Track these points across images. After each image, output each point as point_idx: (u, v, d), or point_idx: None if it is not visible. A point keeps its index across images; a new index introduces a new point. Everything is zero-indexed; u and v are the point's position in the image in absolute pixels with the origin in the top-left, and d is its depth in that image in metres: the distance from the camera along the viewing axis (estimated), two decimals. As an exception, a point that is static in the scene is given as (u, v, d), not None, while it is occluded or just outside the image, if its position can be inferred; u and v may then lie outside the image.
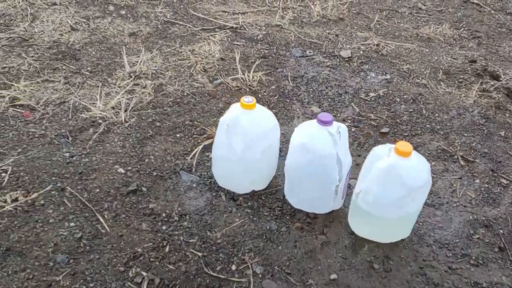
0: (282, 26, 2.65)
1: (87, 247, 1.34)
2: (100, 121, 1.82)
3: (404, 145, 1.28)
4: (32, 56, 2.20)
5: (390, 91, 2.15)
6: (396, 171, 1.28)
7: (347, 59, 2.39)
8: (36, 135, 1.73)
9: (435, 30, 2.72)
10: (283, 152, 1.68)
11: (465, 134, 1.92)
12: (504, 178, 1.71)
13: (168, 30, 2.53)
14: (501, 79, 2.29)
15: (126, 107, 1.90)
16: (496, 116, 2.05)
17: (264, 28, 2.62)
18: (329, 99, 2.07)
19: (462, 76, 2.31)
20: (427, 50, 2.53)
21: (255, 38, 2.52)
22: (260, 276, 1.31)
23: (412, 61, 2.41)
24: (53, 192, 1.50)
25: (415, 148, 1.68)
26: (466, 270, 1.38)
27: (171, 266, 1.31)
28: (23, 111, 1.85)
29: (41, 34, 2.37)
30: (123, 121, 1.83)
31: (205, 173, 1.62)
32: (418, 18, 2.89)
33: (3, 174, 1.55)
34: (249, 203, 1.52)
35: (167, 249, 1.36)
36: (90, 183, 1.55)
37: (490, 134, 1.94)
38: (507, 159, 1.81)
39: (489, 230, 1.51)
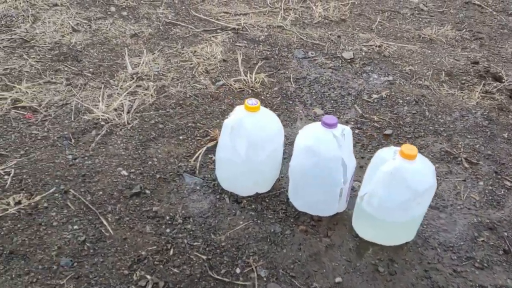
0: (284, 27, 2.65)
1: (91, 250, 1.34)
2: (102, 123, 1.82)
3: (409, 148, 1.28)
4: (34, 58, 2.19)
5: (393, 93, 2.15)
6: (401, 174, 1.28)
7: (349, 60, 2.38)
8: (39, 137, 1.73)
9: (437, 31, 2.72)
10: (286, 154, 1.67)
11: (469, 136, 1.92)
12: (508, 181, 1.71)
13: (169, 31, 2.52)
14: (503, 80, 2.29)
15: (128, 109, 1.90)
16: (499, 118, 2.04)
17: (266, 29, 2.61)
18: (332, 101, 2.07)
19: (464, 78, 2.31)
20: (429, 51, 2.53)
21: (257, 39, 2.51)
22: (264, 279, 1.31)
23: (415, 62, 2.41)
24: (56, 194, 1.50)
25: (419, 150, 1.67)
26: (471, 273, 1.37)
27: (175, 270, 1.31)
28: (25, 113, 1.84)
29: (43, 35, 2.37)
30: (126, 123, 1.83)
31: (209, 176, 1.61)
32: (420, 19, 2.88)
33: (6, 177, 1.54)
34: (253, 206, 1.52)
35: (171, 252, 1.36)
36: (93, 186, 1.54)
37: (493, 136, 1.93)
38: (510, 161, 1.81)
39: (493, 232, 1.51)
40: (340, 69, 2.30)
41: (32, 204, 1.45)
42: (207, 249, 1.37)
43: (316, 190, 1.44)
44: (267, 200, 1.55)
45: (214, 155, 1.67)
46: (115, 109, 1.89)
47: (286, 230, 1.45)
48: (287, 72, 2.25)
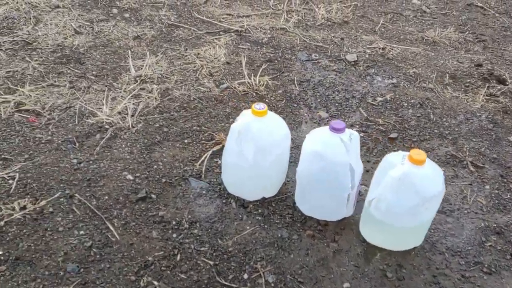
0: (287, 29, 2.64)
1: (98, 256, 1.33)
2: (107, 126, 1.81)
3: (418, 153, 1.27)
4: (36, 60, 2.18)
5: (397, 96, 2.15)
6: (410, 179, 1.27)
7: (353, 63, 2.38)
8: (43, 141, 1.72)
9: (440, 33, 2.72)
10: (291, 158, 1.66)
11: (474, 139, 1.92)
12: (514, 184, 1.71)
13: (172, 33, 2.51)
14: (507, 83, 2.29)
15: (132, 112, 1.89)
16: (504, 121, 2.04)
17: (269, 31, 2.60)
18: (337, 104, 2.06)
19: (468, 80, 2.30)
20: (432, 53, 2.52)
21: (260, 41, 2.50)
22: (272, 285, 1.30)
23: (418, 65, 2.41)
24: (62, 199, 1.49)
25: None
26: (479, 278, 1.37)
27: (182, 275, 1.30)
28: (28, 116, 1.83)
29: (45, 37, 2.36)
30: (130, 126, 1.82)
31: (215, 180, 1.61)
32: (423, 21, 2.88)
33: (11, 181, 1.53)
34: (260, 210, 1.51)
35: (178, 257, 1.35)
36: (98, 190, 1.53)
37: (498, 139, 1.93)
38: (516, 164, 1.80)
39: (500, 237, 1.50)
40: (344, 72, 2.30)
41: (38, 209, 1.44)
42: (214, 254, 1.37)
43: (323, 195, 1.43)
44: (273, 205, 1.54)
45: (220, 159, 1.66)
46: (119, 112, 1.88)
47: (293, 235, 1.44)
48: (291, 74, 2.24)
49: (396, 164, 1.31)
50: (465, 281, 1.35)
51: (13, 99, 1.89)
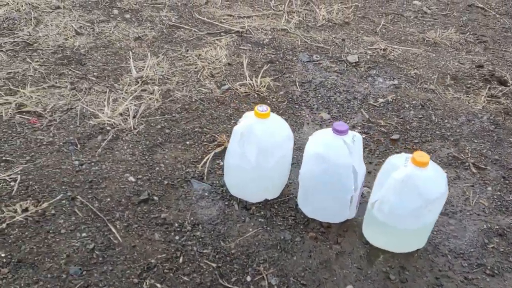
0: (288, 30, 2.64)
1: (100, 258, 1.32)
2: (108, 128, 1.81)
3: (421, 155, 1.27)
4: (37, 61, 2.17)
5: (399, 97, 2.14)
6: (413, 181, 1.27)
7: (354, 64, 2.37)
8: (44, 143, 1.71)
9: (441, 34, 2.71)
10: (293, 160, 1.66)
11: (475, 141, 1.92)
12: (516, 186, 1.71)
13: (173, 34, 2.51)
14: (509, 84, 2.29)
15: (134, 113, 1.89)
16: (505, 122, 2.04)
17: (270, 32, 2.60)
18: (338, 105, 2.06)
19: (470, 82, 2.30)
20: (433, 55, 2.52)
21: (261, 42, 2.50)
22: (275, 287, 1.30)
23: (419, 66, 2.40)
24: (64, 201, 1.48)
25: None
26: (482, 280, 1.37)
27: (185, 278, 1.30)
28: (30, 118, 1.83)
29: (46, 38, 2.35)
30: (132, 128, 1.81)
31: (217, 182, 1.60)
32: (424, 22, 2.88)
33: (12, 183, 1.53)
34: (262, 212, 1.51)
35: (180, 260, 1.34)
36: (100, 192, 1.53)
37: (500, 141, 1.93)
38: (518, 166, 1.80)
39: (503, 239, 1.50)
40: (345, 73, 2.30)
41: (40, 211, 1.44)
42: (217, 256, 1.36)
43: (326, 197, 1.43)
44: (276, 207, 1.54)
45: (222, 161, 1.66)
46: (121, 114, 1.88)
47: (296, 237, 1.44)
48: (292, 76, 2.24)
49: (399, 166, 1.30)
50: (468, 283, 1.35)
51: (14, 101, 1.88)
